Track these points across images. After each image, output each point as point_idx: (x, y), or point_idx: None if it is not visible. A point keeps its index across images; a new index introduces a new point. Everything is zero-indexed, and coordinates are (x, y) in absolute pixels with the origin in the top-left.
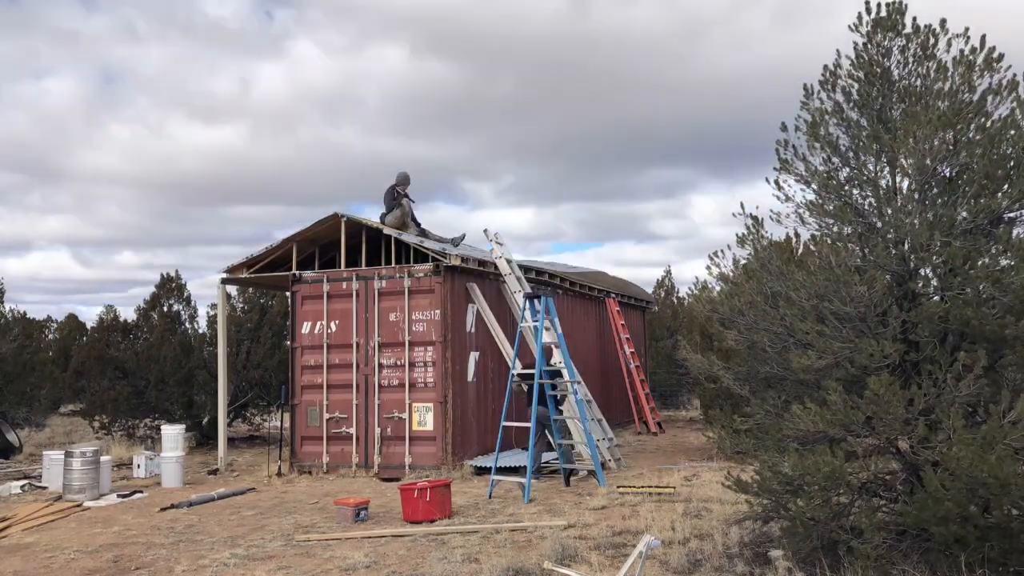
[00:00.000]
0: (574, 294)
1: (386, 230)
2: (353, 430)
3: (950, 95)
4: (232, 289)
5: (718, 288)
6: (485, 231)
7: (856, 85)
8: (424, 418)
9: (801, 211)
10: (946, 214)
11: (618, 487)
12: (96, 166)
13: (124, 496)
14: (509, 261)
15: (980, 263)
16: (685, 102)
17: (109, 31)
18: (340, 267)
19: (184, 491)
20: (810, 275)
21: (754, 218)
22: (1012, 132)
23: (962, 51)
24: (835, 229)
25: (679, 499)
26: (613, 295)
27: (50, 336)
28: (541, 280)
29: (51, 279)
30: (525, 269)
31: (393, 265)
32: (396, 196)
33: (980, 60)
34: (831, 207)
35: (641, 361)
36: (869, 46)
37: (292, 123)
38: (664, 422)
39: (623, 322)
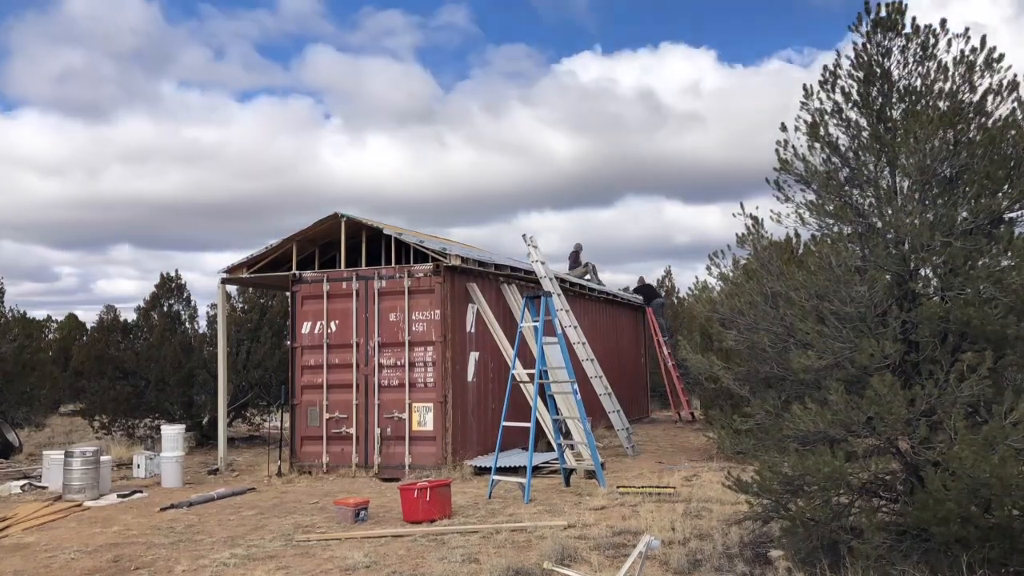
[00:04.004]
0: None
1: (386, 230)
2: (353, 430)
3: (950, 95)
4: (232, 289)
5: (718, 288)
6: (524, 236)
7: (856, 85)
8: (424, 418)
9: (801, 211)
10: (946, 214)
11: (618, 487)
12: None
13: (124, 496)
14: (543, 263)
15: (981, 263)
16: None
17: None
18: (340, 267)
19: (184, 491)
20: (810, 275)
21: (754, 218)
22: (1013, 132)
23: (962, 51)
24: (835, 229)
25: (679, 499)
26: (651, 305)
27: (50, 336)
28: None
29: None
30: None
31: (393, 265)
32: (578, 259)
33: (980, 60)
34: (831, 207)
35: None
36: (869, 46)
37: None
38: (663, 422)
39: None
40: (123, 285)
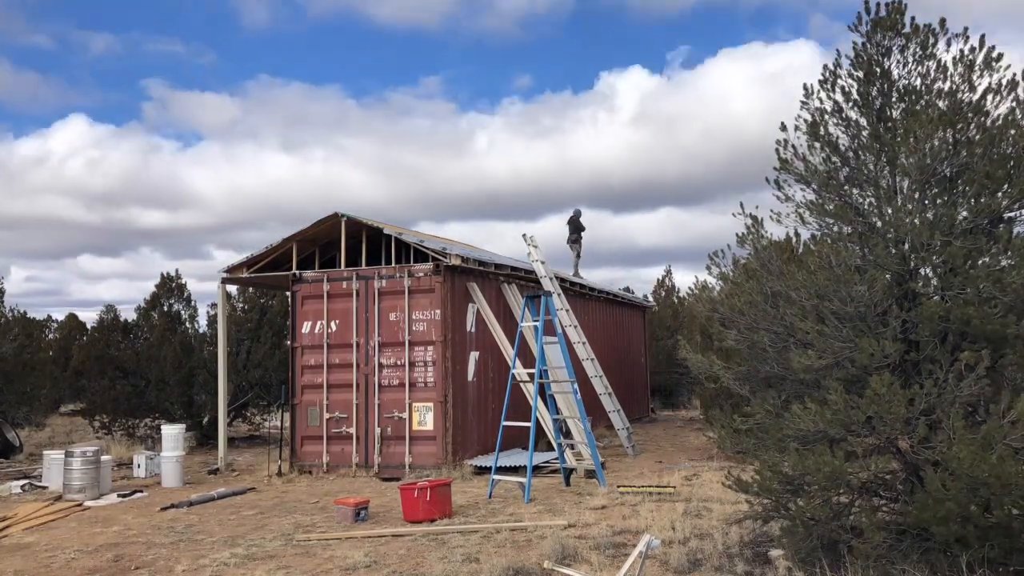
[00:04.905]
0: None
1: (387, 229)
2: (353, 430)
3: (950, 94)
4: (232, 289)
5: (718, 288)
6: (523, 236)
7: (856, 85)
8: (424, 418)
9: (801, 211)
10: (946, 214)
11: (618, 487)
12: None
13: (124, 496)
14: (543, 263)
15: (980, 263)
16: None
17: None
18: (340, 267)
19: (184, 491)
20: (810, 275)
21: (754, 218)
22: (1012, 131)
23: (962, 51)
24: (835, 229)
25: (679, 499)
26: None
27: (50, 336)
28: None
29: None
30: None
31: (393, 265)
32: (579, 224)
33: (980, 59)
34: (831, 207)
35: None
36: (869, 46)
37: None
38: (664, 421)
39: None
40: None
